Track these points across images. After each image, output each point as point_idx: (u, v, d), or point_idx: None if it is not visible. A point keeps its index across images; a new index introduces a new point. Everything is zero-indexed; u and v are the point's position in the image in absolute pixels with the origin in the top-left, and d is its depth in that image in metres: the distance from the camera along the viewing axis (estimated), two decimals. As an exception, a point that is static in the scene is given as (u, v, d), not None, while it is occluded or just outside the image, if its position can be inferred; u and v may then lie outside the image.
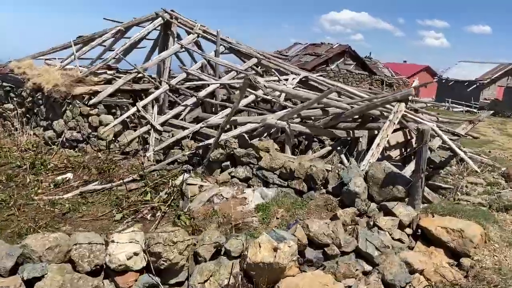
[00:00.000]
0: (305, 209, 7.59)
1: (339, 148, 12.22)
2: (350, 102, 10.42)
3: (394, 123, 9.33)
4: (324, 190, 7.81)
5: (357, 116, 12.09)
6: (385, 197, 6.95)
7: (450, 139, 11.38)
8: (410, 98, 9.47)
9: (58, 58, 16.84)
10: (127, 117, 12.35)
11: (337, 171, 7.82)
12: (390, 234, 6.42)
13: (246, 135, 9.50)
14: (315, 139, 13.45)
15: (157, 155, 10.92)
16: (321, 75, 14.20)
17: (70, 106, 13.15)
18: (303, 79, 12.96)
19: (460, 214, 6.99)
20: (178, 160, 10.41)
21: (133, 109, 12.29)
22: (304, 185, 8.08)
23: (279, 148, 9.59)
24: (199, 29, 14.75)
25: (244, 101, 11.66)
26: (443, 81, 60.45)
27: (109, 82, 14.20)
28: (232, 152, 9.28)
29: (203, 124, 10.25)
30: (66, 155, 12.40)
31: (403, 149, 13.53)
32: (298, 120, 10.77)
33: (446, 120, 13.00)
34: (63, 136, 13.15)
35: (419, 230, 6.74)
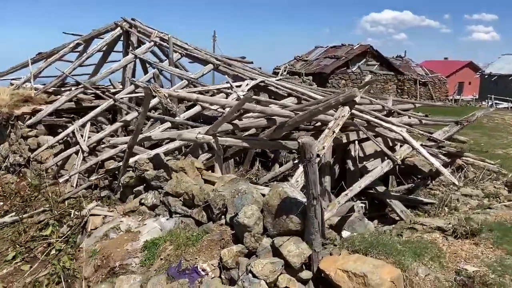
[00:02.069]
0: (198, 245, 6.30)
1: (296, 161, 10.83)
2: (294, 108, 9.03)
3: (334, 131, 7.86)
4: (223, 221, 6.48)
5: (318, 124, 10.68)
6: (279, 230, 5.54)
7: (425, 145, 9.74)
8: (356, 100, 7.96)
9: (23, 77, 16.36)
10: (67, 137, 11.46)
11: (237, 196, 6.46)
12: (272, 283, 5.02)
13: (162, 154, 8.32)
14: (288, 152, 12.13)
15: (83, 179, 9.91)
16: (283, 79, 12.82)
17: (14, 128, 12.47)
18: (261, 84, 11.65)
19: (380, 249, 5.49)
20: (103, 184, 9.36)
21: (70, 129, 11.40)
22: (204, 214, 6.78)
23: (202, 168, 8.33)
24: (156, 37, 13.77)
25: (187, 114, 10.50)
26: (486, 76, 56.95)
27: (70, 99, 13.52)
28: (143, 175, 8.11)
29: (107, 144, 9.15)
30: (4, 182, 11.70)
31: (385, 159, 11.94)
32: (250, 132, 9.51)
33: (433, 123, 11.27)
34: (7, 160, 12.48)
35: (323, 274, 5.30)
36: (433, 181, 11.28)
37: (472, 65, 67.91)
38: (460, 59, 71.23)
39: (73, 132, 11.02)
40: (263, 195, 6.45)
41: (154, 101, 11.43)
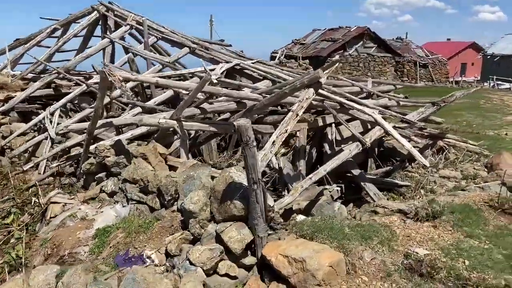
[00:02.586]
0: (148, 233, 6.20)
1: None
2: (262, 91, 8.85)
3: (298, 114, 7.69)
4: (176, 207, 6.37)
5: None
6: (224, 216, 5.41)
7: (398, 127, 9.57)
8: (321, 81, 7.77)
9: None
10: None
11: (187, 182, 6.34)
12: (210, 269, 4.92)
13: (124, 140, 8.19)
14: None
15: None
16: (257, 61, 12.60)
17: (-12, 116, 12.37)
18: (237, 67, 11.45)
19: (326, 233, 5.37)
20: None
21: (41, 115, 11.28)
22: (157, 201, 6.67)
23: (166, 153, 8.20)
24: (132, 20, 13.56)
25: (158, 98, 10.35)
26: (488, 57, 56.14)
27: (48, 85, 13.43)
28: (103, 161, 8.00)
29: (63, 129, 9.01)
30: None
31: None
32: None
33: (411, 104, 11.06)
34: (-17, 149, 12.39)
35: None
36: (412, 164, 11.13)
37: (475, 45, 66.92)
38: (464, 40, 70.29)
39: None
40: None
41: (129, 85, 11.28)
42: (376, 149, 11.71)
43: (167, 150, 8.38)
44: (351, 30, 40.64)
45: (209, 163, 11.61)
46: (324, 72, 8.03)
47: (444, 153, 11.65)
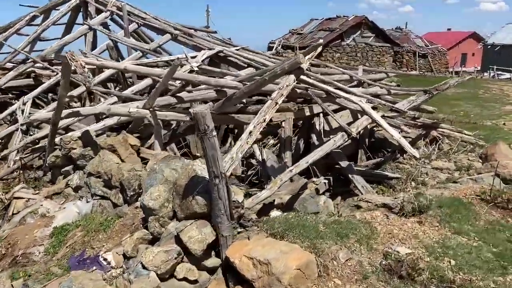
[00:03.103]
0: (108, 231, 5.73)
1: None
2: (242, 78, 8.35)
3: (277, 103, 7.19)
4: (139, 203, 5.88)
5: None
6: (186, 213, 4.93)
7: (387, 116, 9.08)
8: (303, 67, 7.26)
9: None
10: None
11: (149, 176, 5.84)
12: (166, 274, 4.44)
13: (92, 131, 7.69)
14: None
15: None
16: (242, 48, 12.04)
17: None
18: (221, 54, 10.93)
19: (298, 231, 4.89)
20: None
21: (14, 106, 10.77)
22: (120, 196, 6.19)
23: (137, 144, 7.71)
24: (113, 6, 13.00)
25: (135, 87, 9.85)
26: (489, 47, 55.40)
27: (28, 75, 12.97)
28: (69, 154, 7.51)
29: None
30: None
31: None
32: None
33: (403, 92, 10.54)
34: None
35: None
36: (404, 155, 10.65)
37: (476, 35, 66.16)
38: (464, 30, 69.56)
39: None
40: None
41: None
42: (367, 140, 11.23)
43: (139, 141, 7.89)
44: (349, 19, 39.94)
45: (196, 155, 11.14)
46: (306, 57, 7.51)
47: (438, 143, 11.17)
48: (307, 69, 10.43)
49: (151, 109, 7.85)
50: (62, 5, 14.15)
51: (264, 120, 7.09)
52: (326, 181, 9.68)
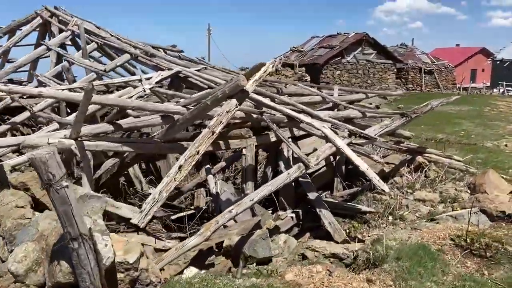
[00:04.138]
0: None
1: (207, 166, 9.22)
2: (186, 103, 7.40)
3: (214, 132, 6.20)
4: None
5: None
6: (52, 282, 3.88)
7: (356, 144, 8.03)
8: (246, 90, 6.28)
9: None
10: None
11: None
12: None
13: (6, 166, 6.75)
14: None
15: None
16: (204, 68, 11.14)
17: None
18: (181, 75, 10.04)
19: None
20: None
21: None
22: (5, 251, 5.16)
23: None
24: (74, 25, 12.25)
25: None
26: (498, 62, 54.30)
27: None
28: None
29: None
30: None
31: (331, 158, 10.27)
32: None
33: (380, 116, 9.49)
34: None
35: None
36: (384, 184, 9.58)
37: (486, 51, 65.27)
38: (475, 46, 68.71)
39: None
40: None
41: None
42: (343, 167, 10.19)
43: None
44: (349, 36, 39.08)
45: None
46: (252, 80, 6.52)
47: (424, 170, 10.08)
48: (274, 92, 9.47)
49: (79, 139, 6.90)
50: (25, 25, 13.45)
51: (198, 152, 6.12)
52: (294, 214, 8.70)
